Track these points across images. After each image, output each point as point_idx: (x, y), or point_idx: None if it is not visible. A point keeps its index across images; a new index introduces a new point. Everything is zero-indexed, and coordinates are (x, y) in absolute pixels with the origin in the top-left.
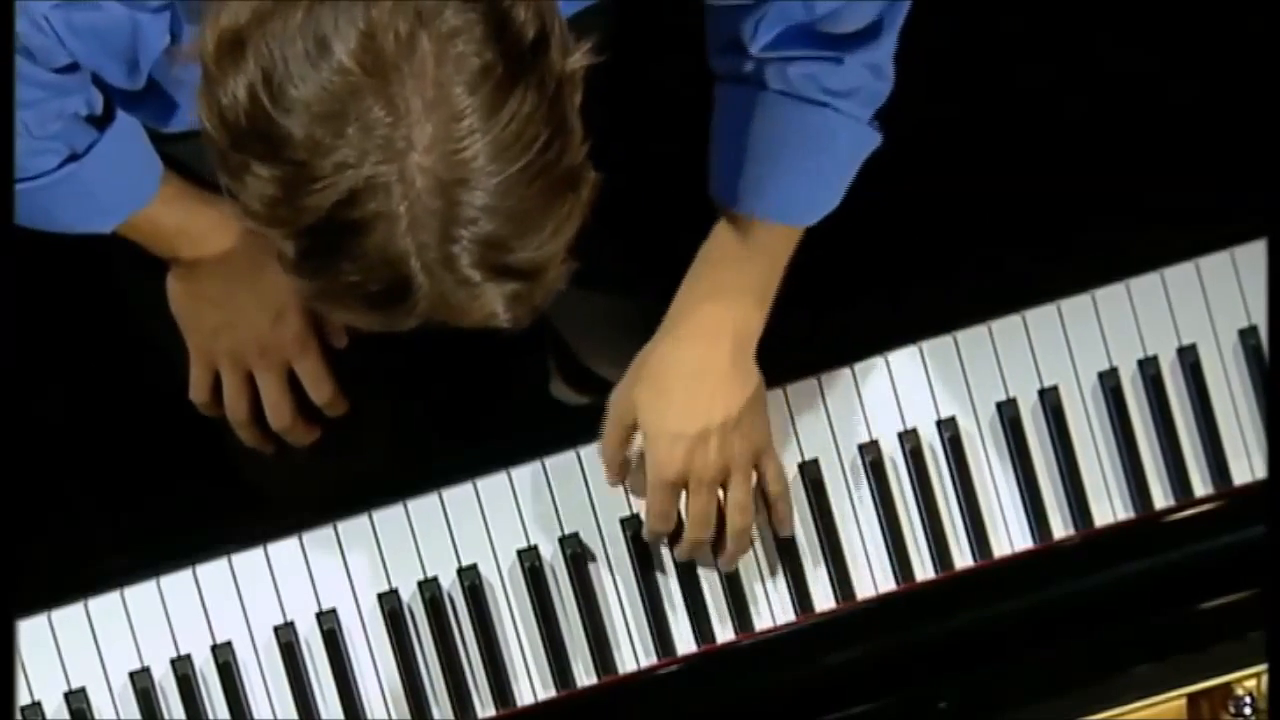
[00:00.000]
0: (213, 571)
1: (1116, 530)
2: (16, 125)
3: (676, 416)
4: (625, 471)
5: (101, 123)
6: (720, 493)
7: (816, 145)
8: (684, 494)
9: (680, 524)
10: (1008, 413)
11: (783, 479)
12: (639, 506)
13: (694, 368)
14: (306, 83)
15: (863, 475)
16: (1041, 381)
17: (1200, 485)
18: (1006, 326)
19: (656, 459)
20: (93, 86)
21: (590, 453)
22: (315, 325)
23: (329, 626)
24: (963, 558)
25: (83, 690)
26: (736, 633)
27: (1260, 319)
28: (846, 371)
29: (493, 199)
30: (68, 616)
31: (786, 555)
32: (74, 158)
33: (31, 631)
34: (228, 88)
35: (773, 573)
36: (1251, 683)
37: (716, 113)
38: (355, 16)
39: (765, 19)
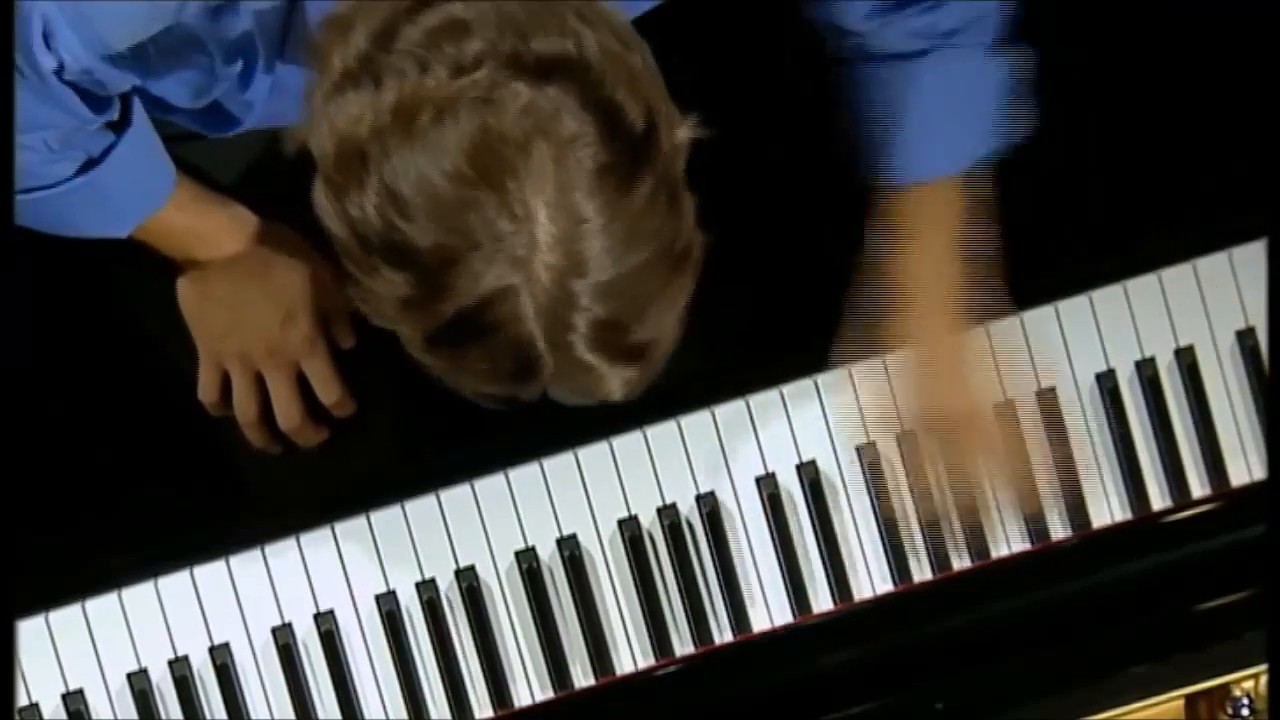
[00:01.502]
0: (210, 573)
1: (1114, 531)
2: (35, 143)
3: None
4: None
5: (118, 127)
6: None
7: (955, 90)
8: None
9: None
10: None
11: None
12: (636, 508)
13: (945, 356)
14: (427, 193)
15: (860, 477)
16: (1039, 382)
17: (1198, 486)
18: (1003, 328)
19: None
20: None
21: (588, 454)
22: (324, 326)
23: (326, 628)
24: (960, 559)
25: (80, 691)
26: (734, 634)
27: (1257, 320)
28: (843, 373)
29: (612, 286)
30: (65, 617)
31: (784, 556)
32: (91, 164)
33: (29, 632)
34: (354, 200)
35: (770, 574)
36: (1249, 683)
37: (853, 96)
38: (475, 125)
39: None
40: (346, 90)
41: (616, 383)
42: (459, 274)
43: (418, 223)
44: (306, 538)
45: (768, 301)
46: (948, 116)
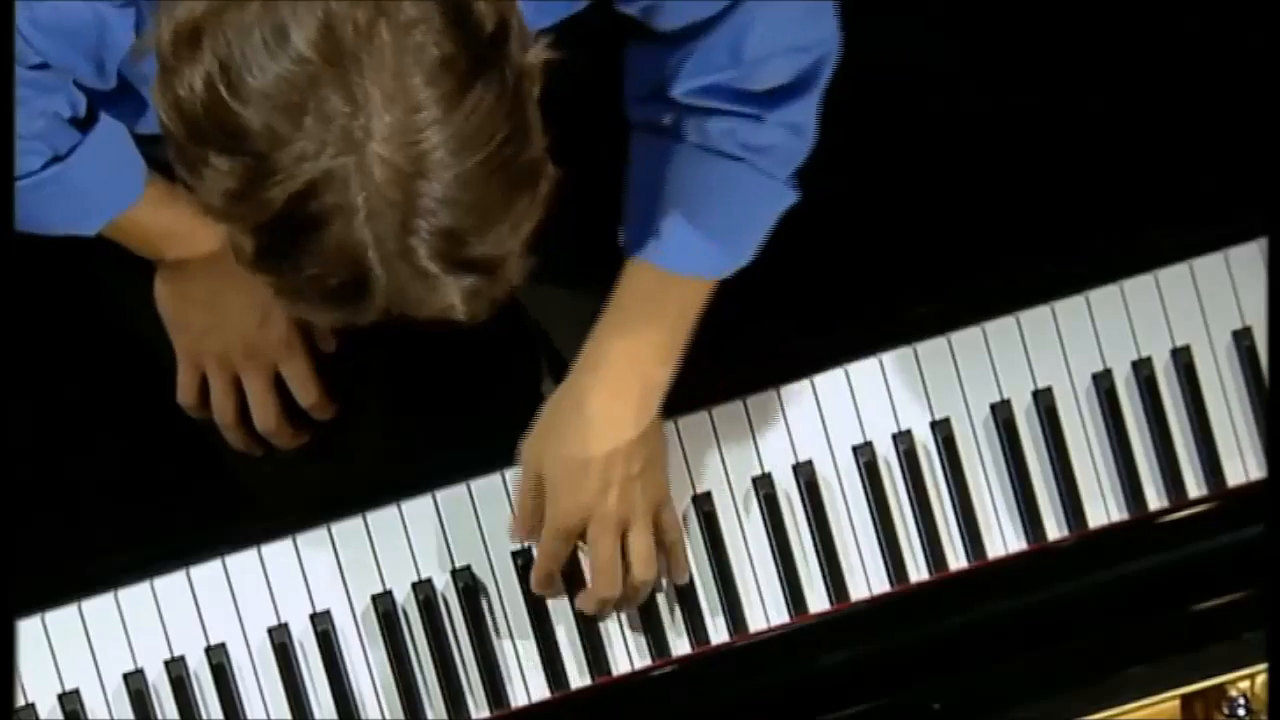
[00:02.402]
0: (207, 573)
1: (1110, 531)
2: None
3: (578, 466)
4: (537, 525)
5: (84, 125)
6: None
7: (731, 200)
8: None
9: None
10: (1001, 414)
11: (678, 528)
12: None
13: (597, 419)
14: (264, 73)
15: (856, 477)
16: (1035, 383)
17: (1194, 486)
18: (1000, 328)
19: (555, 507)
20: (75, 88)
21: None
22: (302, 328)
23: (323, 628)
24: (957, 559)
25: (76, 691)
26: (730, 634)
27: (1254, 320)
28: (840, 373)
29: (452, 191)
30: (62, 618)
31: (780, 557)
32: (57, 159)
33: (26, 633)
34: (184, 79)
35: (766, 574)
36: (1245, 684)
37: (632, 162)
38: (314, 6)
39: (689, 61)
40: None
41: (456, 294)
42: (287, 155)
43: (250, 102)
44: (303, 538)
45: (763, 302)
46: (738, 225)
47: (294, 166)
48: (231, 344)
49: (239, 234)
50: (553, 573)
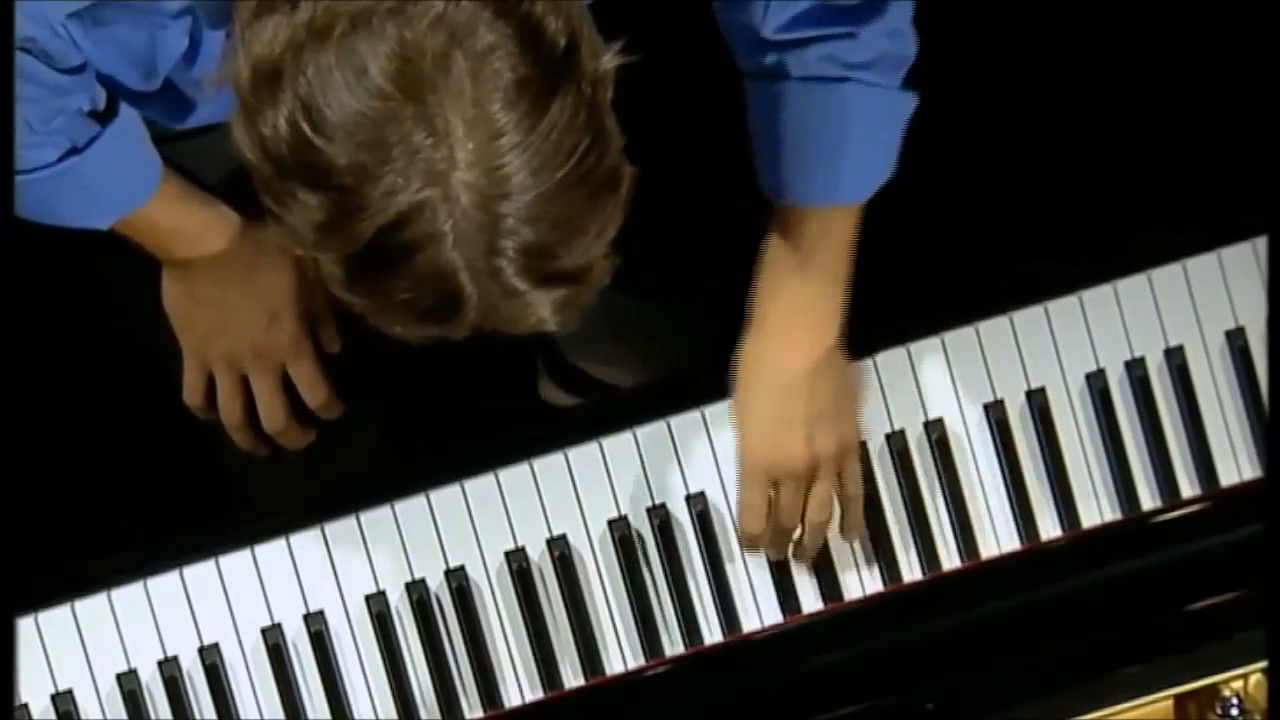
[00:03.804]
0: (200, 573)
1: (1104, 531)
2: (18, 120)
3: (766, 411)
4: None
5: (104, 118)
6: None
7: (851, 122)
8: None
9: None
10: (995, 414)
11: (857, 482)
12: (626, 508)
13: (778, 365)
14: (345, 109)
15: None
16: (1029, 383)
17: (1187, 486)
18: (993, 328)
19: (748, 454)
20: (97, 83)
21: (578, 454)
22: (309, 328)
23: (316, 628)
24: (950, 559)
25: (69, 692)
26: (724, 634)
27: (1247, 320)
28: None
29: (535, 209)
30: (55, 618)
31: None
32: (74, 152)
33: (19, 633)
34: (268, 119)
35: (760, 574)
36: (1238, 684)
37: (750, 110)
38: (390, 39)
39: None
40: (263, 16)
41: (547, 307)
42: (375, 190)
43: (334, 139)
44: (296, 538)
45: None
46: (860, 145)
47: (382, 200)
48: (239, 345)
49: (329, 263)
50: (760, 510)
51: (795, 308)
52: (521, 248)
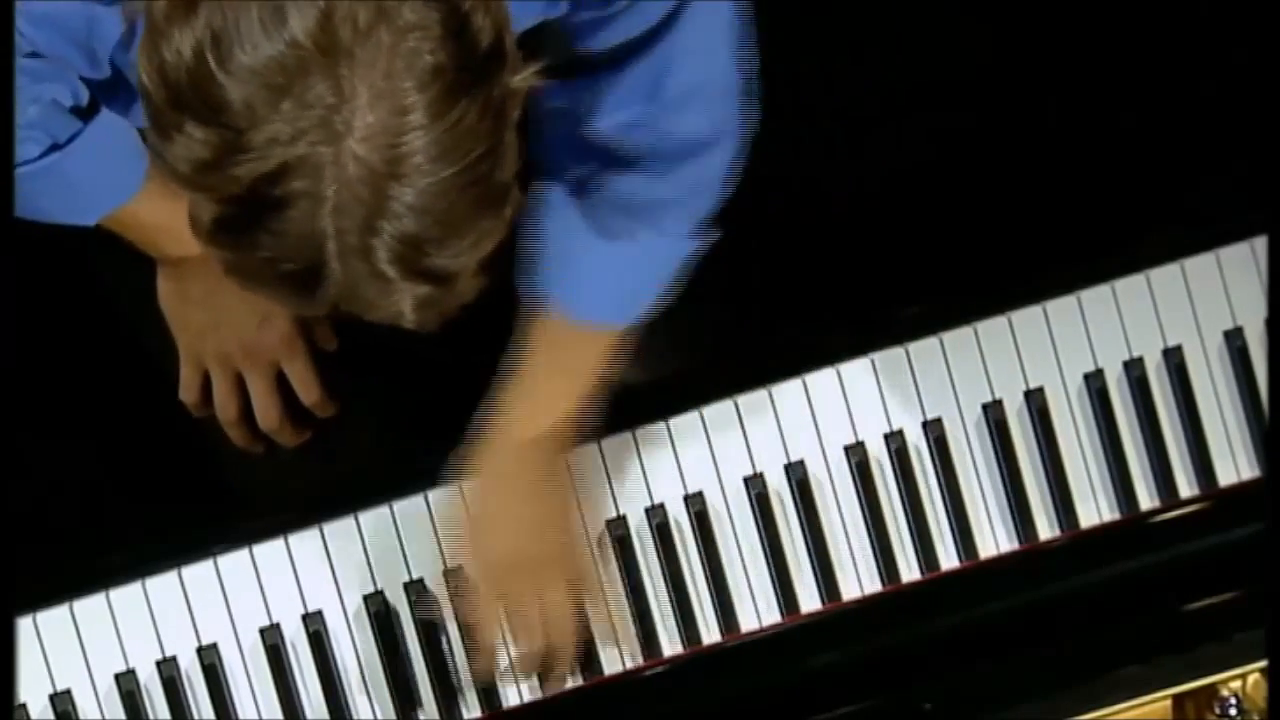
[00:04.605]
0: (198, 573)
1: (1102, 531)
2: None
3: (500, 527)
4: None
5: (86, 114)
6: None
7: (631, 254)
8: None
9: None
10: (993, 414)
11: (565, 615)
12: (625, 508)
13: (513, 473)
14: (256, 50)
15: (848, 476)
16: (1027, 383)
17: (1185, 486)
18: (992, 328)
19: (483, 570)
20: (77, 78)
21: (577, 454)
22: (303, 327)
23: (315, 628)
24: (948, 559)
25: (68, 692)
26: (722, 634)
27: (1245, 320)
28: (832, 373)
29: (422, 199)
30: (53, 618)
31: (772, 556)
32: (56, 147)
33: (17, 633)
34: (173, 43)
35: (758, 574)
36: (1236, 684)
37: (536, 211)
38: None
39: (611, 94)
40: None
41: (409, 301)
42: (262, 134)
43: (235, 76)
44: (295, 538)
45: (756, 301)
46: (638, 278)
47: (267, 147)
48: (232, 343)
49: (200, 204)
50: (493, 648)
51: (535, 413)
52: (399, 234)
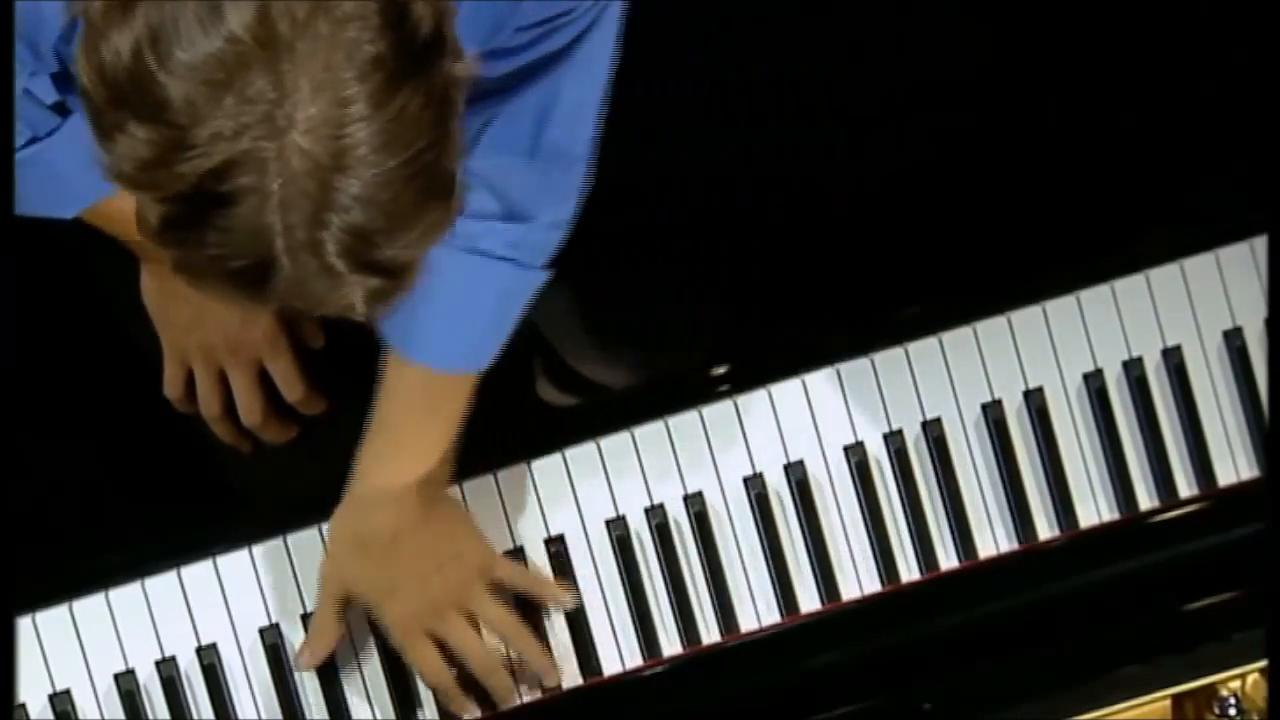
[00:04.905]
0: (198, 573)
1: (1101, 531)
2: None
3: (387, 578)
4: (332, 646)
5: (64, 109)
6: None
7: (491, 294)
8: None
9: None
10: (993, 414)
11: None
12: (624, 508)
13: (389, 528)
14: (195, 46)
15: (848, 476)
16: (1026, 383)
17: (1185, 486)
18: (991, 328)
19: (394, 623)
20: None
21: (575, 454)
22: (287, 324)
23: None
24: (948, 559)
25: (67, 692)
26: (722, 634)
27: (1244, 320)
28: (832, 373)
29: (368, 190)
30: (53, 618)
31: (771, 556)
32: (36, 140)
33: (17, 633)
34: (111, 42)
35: (758, 574)
36: (1236, 684)
37: None
38: None
39: (492, 127)
40: None
41: (359, 294)
42: (205, 131)
43: (175, 74)
44: (294, 538)
45: (756, 301)
46: (498, 320)
47: (211, 143)
48: (215, 339)
49: (147, 203)
50: (438, 668)
51: (406, 473)
52: (347, 227)
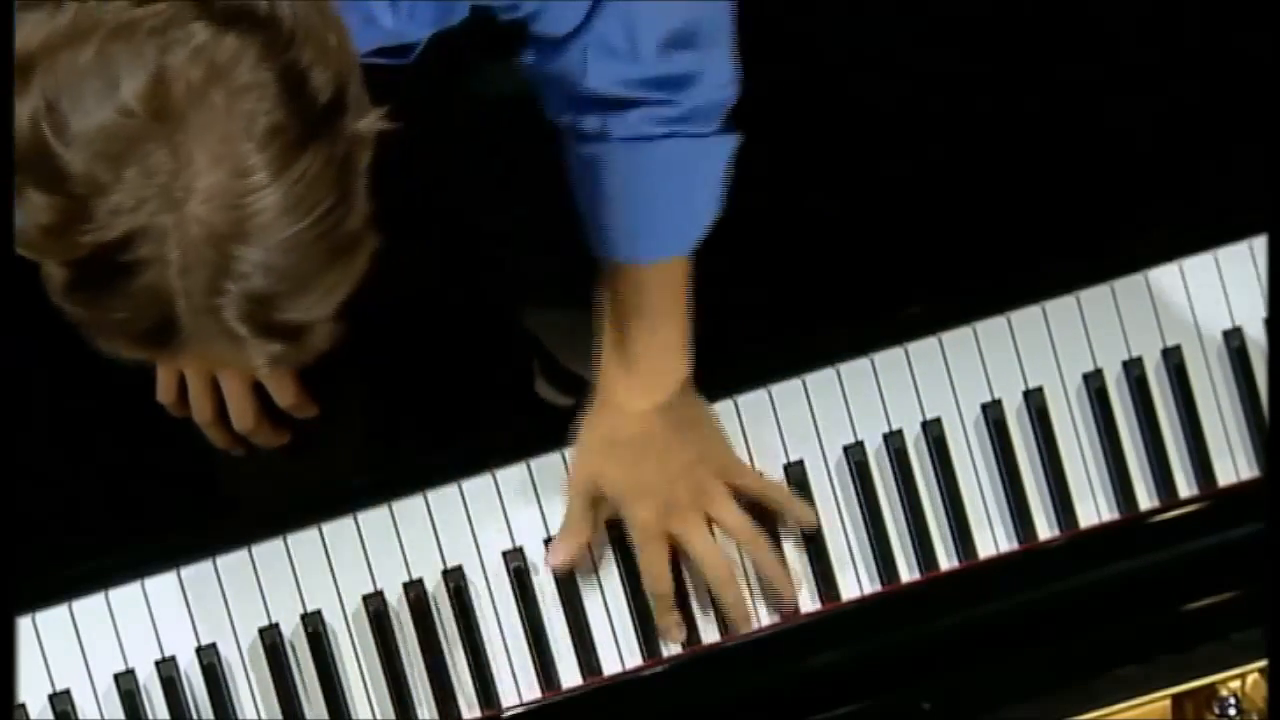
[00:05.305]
0: (197, 573)
1: (1101, 531)
2: None
3: (636, 478)
4: (584, 543)
5: None
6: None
7: (676, 175)
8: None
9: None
10: (992, 414)
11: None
12: None
13: (637, 430)
14: (90, 119)
15: (848, 476)
16: (1026, 383)
17: (1185, 486)
18: (991, 328)
19: (637, 522)
20: None
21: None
22: None
23: (314, 628)
24: (947, 559)
25: (67, 692)
26: (721, 634)
27: (1244, 320)
28: (831, 373)
29: (268, 257)
30: (52, 618)
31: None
32: None
33: (17, 633)
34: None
35: (757, 574)
36: (1236, 683)
37: (572, 171)
38: (148, 60)
39: (591, 62)
40: (26, 11)
41: (261, 357)
42: (104, 204)
43: (72, 146)
44: (293, 538)
45: (755, 302)
46: (687, 197)
47: (110, 218)
48: None
49: (51, 268)
50: (664, 572)
51: (648, 373)
52: (244, 293)
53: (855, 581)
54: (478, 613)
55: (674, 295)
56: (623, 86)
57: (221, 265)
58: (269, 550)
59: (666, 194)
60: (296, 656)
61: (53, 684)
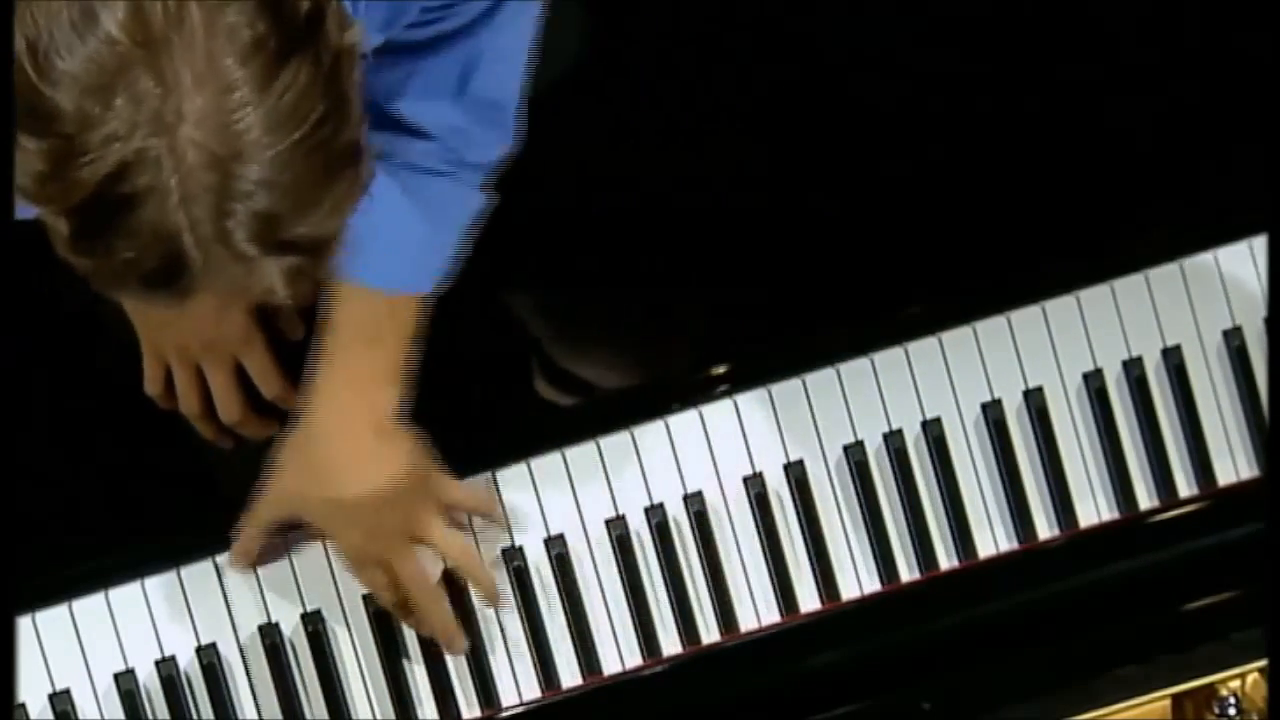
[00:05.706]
0: (197, 572)
1: (1101, 531)
2: None
3: (339, 504)
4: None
5: None
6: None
7: (443, 213)
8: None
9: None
10: (992, 414)
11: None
12: (624, 507)
13: (344, 455)
14: (73, 54)
15: (848, 476)
16: (1026, 382)
17: (1185, 486)
18: (991, 328)
19: (346, 550)
20: None
21: (575, 453)
22: (262, 319)
23: (314, 628)
24: (947, 559)
25: (67, 691)
26: (721, 634)
27: (1244, 319)
28: (831, 373)
29: (268, 173)
30: (52, 617)
31: (771, 556)
32: None
33: (17, 632)
34: None
35: (757, 573)
36: (1235, 683)
37: None
38: None
39: (416, 79)
40: None
41: (277, 276)
42: (96, 136)
43: (59, 84)
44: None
45: (754, 302)
46: (441, 238)
47: (103, 147)
48: (189, 337)
49: (53, 218)
50: (405, 606)
51: (356, 386)
52: (252, 212)
53: (855, 581)
54: (477, 612)
55: (407, 327)
56: (430, 120)
57: (222, 187)
58: None
59: (429, 230)
60: (296, 656)
61: (53, 684)
